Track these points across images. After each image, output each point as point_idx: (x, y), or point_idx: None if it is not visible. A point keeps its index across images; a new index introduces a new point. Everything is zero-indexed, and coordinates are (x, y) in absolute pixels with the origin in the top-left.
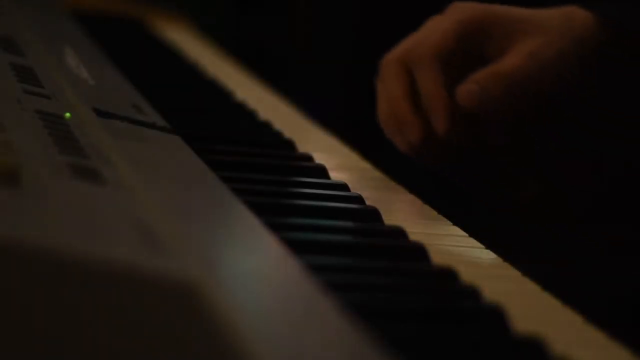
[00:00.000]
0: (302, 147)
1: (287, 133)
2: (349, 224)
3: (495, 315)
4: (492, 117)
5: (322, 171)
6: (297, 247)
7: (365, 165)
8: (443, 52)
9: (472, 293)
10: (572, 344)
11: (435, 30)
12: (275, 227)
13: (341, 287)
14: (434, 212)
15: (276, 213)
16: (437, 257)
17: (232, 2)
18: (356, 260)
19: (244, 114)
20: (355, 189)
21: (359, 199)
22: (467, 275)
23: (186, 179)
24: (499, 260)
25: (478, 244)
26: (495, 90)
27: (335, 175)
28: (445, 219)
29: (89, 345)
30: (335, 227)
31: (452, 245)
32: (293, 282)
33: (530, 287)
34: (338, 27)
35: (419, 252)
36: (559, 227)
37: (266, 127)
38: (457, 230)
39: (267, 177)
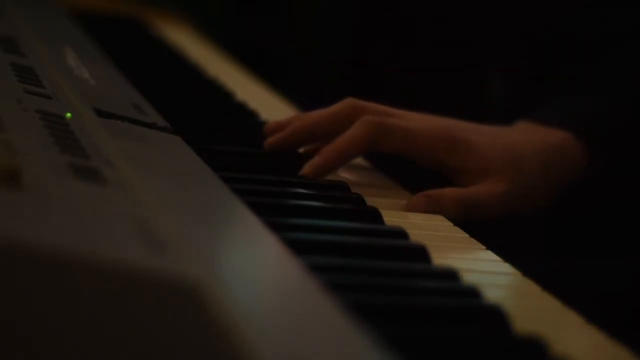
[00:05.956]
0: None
1: None
2: (349, 224)
3: (495, 315)
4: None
5: None
6: (297, 247)
7: (365, 165)
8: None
9: (472, 293)
10: (572, 344)
11: (409, 117)
12: (275, 227)
13: (341, 287)
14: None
15: (276, 213)
16: (437, 258)
17: (232, 2)
18: (356, 260)
19: (245, 114)
20: (355, 189)
21: (359, 199)
22: (467, 275)
23: (186, 179)
24: (499, 260)
25: (478, 244)
26: (450, 210)
27: (335, 175)
28: (446, 220)
29: (89, 345)
30: (335, 227)
31: (453, 246)
32: (293, 282)
33: (530, 287)
34: (338, 27)
35: (420, 252)
36: (559, 228)
37: None
38: (458, 231)
39: (267, 177)
